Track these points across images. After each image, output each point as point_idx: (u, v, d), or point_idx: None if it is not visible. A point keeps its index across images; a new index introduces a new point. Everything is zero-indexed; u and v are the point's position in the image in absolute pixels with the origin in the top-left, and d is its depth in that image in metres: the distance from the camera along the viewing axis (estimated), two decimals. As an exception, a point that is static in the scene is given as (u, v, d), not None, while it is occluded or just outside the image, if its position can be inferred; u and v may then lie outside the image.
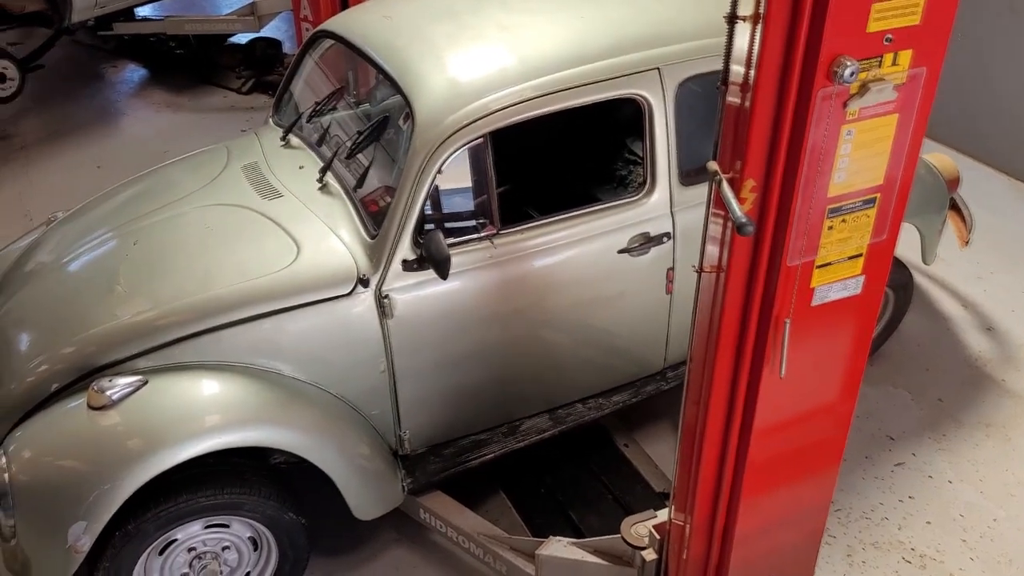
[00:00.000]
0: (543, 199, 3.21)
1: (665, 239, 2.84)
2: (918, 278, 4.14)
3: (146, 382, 2.39)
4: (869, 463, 3.26)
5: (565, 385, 3.00)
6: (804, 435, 2.14)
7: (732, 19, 1.61)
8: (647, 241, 2.81)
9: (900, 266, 3.48)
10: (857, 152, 1.68)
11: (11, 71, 5.74)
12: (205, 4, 8.16)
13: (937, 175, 3.46)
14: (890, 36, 1.57)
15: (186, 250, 2.71)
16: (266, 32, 6.81)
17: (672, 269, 2.89)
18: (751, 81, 1.59)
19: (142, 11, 6.88)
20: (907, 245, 3.22)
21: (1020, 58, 4.92)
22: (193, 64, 6.88)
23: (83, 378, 2.45)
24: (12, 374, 2.56)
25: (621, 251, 2.79)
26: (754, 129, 1.60)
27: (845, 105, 1.60)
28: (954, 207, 3.57)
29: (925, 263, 3.57)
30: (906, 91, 1.65)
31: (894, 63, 1.61)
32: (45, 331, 2.64)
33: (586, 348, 2.94)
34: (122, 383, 2.37)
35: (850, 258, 1.82)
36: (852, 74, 1.53)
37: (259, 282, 2.54)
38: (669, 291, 2.93)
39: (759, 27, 1.54)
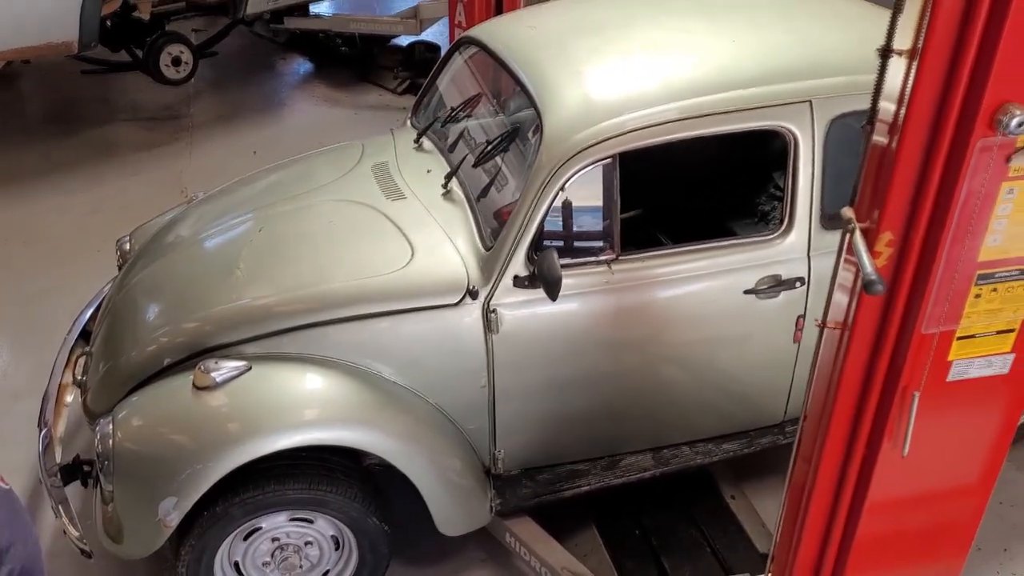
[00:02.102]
0: (670, 226, 3.06)
1: (798, 284, 2.64)
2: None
3: (250, 368, 2.42)
4: (1007, 556, 2.92)
5: (673, 425, 2.84)
6: (925, 518, 1.92)
7: (886, 53, 1.44)
8: (777, 284, 2.62)
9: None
10: (1019, 215, 1.47)
11: (186, 55, 6.10)
12: (376, 5, 8.43)
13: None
14: (1072, 84, 1.36)
15: (304, 242, 2.73)
16: (427, 36, 6.97)
17: (803, 317, 2.68)
18: (899, 122, 1.41)
19: (316, 8, 7.17)
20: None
21: None
22: (355, 62, 7.12)
23: (194, 356, 2.51)
24: (135, 341, 2.66)
25: (747, 291, 2.61)
26: (897, 176, 1.43)
27: (1008, 159, 1.41)
28: None
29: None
30: (1087, 149, 1.43)
31: (1074, 116, 1.39)
32: (170, 304, 2.74)
33: (700, 389, 2.78)
34: (228, 366, 2.41)
35: (999, 332, 1.61)
36: (1020, 125, 1.34)
37: (370, 282, 2.53)
38: (797, 340, 2.72)
39: (915, 63, 1.37)
